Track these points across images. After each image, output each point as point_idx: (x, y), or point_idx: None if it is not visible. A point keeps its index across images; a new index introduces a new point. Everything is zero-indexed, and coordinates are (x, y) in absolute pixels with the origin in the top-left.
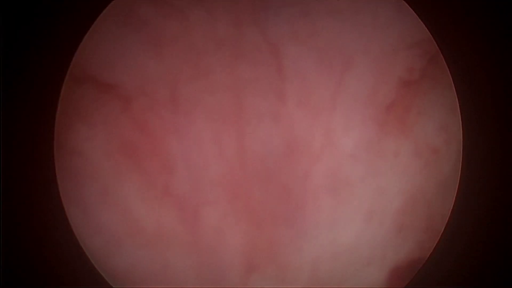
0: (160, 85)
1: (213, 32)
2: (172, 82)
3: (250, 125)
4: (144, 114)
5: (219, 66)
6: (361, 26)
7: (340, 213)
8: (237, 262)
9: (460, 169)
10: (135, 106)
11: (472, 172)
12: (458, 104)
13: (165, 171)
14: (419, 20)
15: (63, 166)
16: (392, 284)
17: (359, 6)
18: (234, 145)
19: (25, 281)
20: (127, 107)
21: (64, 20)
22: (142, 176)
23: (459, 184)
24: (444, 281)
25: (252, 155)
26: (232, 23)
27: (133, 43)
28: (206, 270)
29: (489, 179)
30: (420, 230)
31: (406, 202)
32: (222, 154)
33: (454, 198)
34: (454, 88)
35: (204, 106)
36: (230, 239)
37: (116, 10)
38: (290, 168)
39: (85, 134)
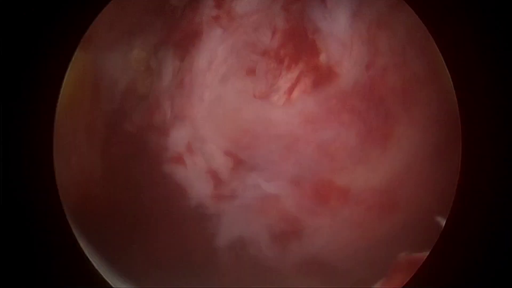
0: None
1: None
2: None
3: None
4: None
5: None
6: None
7: None
8: None
9: (459, 166)
10: None
11: (472, 170)
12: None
13: None
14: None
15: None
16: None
17: None
18: None
19: (25, 281)
20: None
21: (64, 19)
22: None
23: (459, 181)
24: (444, 281)
25: None
26: None
27: None
28: None
29: (489, 178)
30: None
31: None
32: None
33: (453, 196)
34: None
35: None
36: None
37: None
38: None
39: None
